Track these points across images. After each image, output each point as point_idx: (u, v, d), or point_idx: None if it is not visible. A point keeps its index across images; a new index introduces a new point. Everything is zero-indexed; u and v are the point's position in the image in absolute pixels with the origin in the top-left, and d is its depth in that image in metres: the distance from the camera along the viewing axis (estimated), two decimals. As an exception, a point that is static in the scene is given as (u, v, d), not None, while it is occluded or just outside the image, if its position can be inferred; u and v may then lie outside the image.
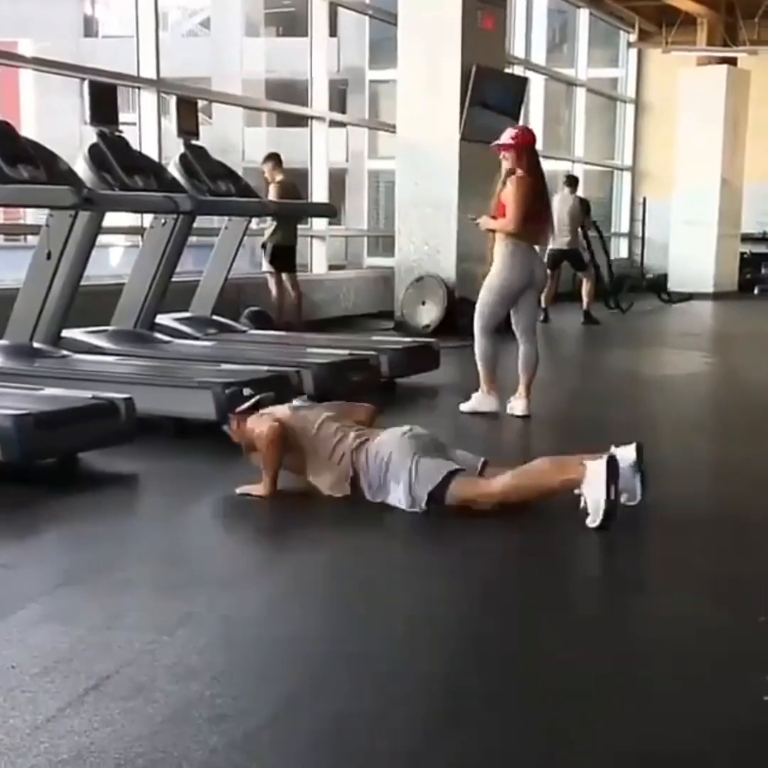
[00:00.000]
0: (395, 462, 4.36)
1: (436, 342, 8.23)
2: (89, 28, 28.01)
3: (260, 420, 4.58)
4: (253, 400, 4.75)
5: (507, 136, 6.51)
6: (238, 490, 4.56)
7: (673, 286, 17.78)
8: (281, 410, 4.70)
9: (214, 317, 8.34)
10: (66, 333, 6.91)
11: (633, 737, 2.51)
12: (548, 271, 12.69)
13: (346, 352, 7.11)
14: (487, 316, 6.60)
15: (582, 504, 4.12)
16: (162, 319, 7.79)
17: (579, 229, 12.92)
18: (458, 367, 8.51)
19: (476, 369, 6.73)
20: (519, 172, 6.41)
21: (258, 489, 4.53)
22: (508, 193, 6.40)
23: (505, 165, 6.48)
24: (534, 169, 6.52)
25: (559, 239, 12.71)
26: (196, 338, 7.78)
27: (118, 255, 13.74)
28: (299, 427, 4.58)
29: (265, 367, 6.27)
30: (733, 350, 11.12)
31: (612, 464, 4.04)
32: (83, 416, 4.99)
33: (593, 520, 4.05)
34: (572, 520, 4.09)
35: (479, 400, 6.67)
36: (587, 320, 12.78)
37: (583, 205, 13.18)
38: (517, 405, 6.63)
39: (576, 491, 4.15)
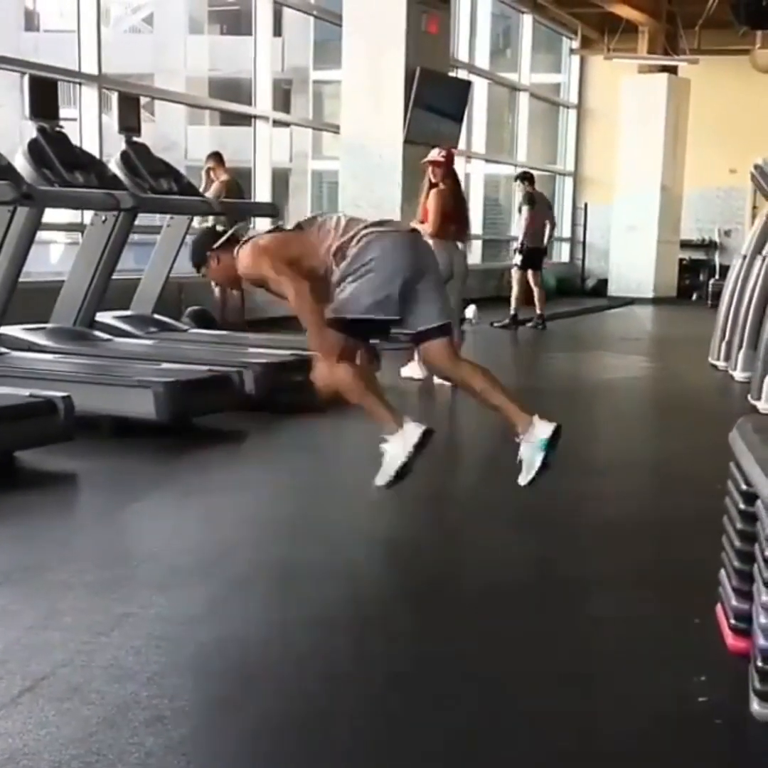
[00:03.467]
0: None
1: (378, 344, 8.22)
2: (30, 22, 27.66)
3: (250, 254, 4.39)
4: (227, 234, 4.66)
5: (438, 155, 7.86)
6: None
7: (613, 291, 17.98)
8: (265, 239, 4.53)
9: (156, 316, 8.28)
10: (4, 330, 6.82)
11: (569, 735, 2.53)
12: (520, 271, 12.57)
13: (288, 352, 7.08)
14: None
15: (519, 457, 4.33)
16: (102, 317, 7.71)
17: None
18: (398, 368, 8.52)
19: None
20: (441, 185, 7.77)
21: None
22: (431, 203, 7.77)
23: (432, 178, 7.80)
24: (454, 182, 7.97)
25: (539, 238, 12.69)
26: (137, 337, 7.71)
27: (58, 252, 13.58)
28: (297, 253, 4.41)
29: (206, 367, 6.23)
30: (669, 355, 11.25)
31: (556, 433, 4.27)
32: (21, 414, 4.92)
33: (525, 477, 4.28)
34: (500, 517, 4.12)
35: (412, 369, 7.93)
36: (516, 324, 12.56)
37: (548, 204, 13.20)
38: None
39: (518, 440, 4.33)
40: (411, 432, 4.21)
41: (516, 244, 12.75)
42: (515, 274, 12.59)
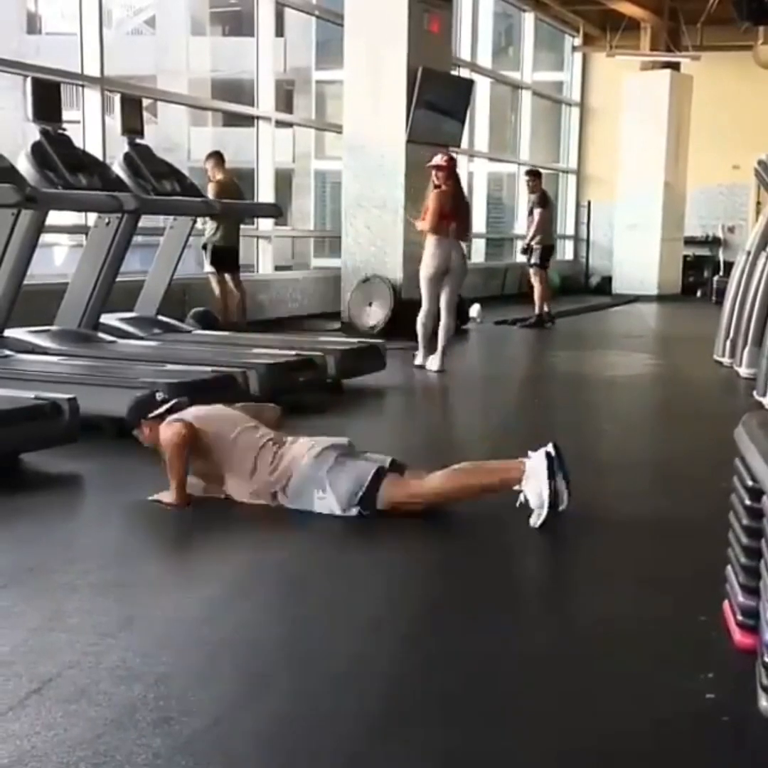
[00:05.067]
0: (314, 469, 4.27)
1: (383, 343, 8.23)
2: (32, 24, 27.68)
3: (168, 425, 4.39)
4: (166, 406, 4.59)
5: (441, 160, 8.56)
6: (150, 498, 4.41)
7: (617, 288, 17.97)
8: (192, 413, 4.52)
9: (160, 317, 8.29)
10: (9, 332, 6.83)
11: (575, 733, 2.53)
12: (541, 270, 12.59)
13: (293, 352, 7.09)
14: (426, 292, 8.63)
15: (521, 500, 4.10)
16: (106, 318, 7.72)
17: None
18: (405, 368, 8.53)
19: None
20: (444, 187, 8.47)
21: (167, 496, 4.38)
22: (429, 202, 8.51)
23: (436, 181, 8.50)
24: (455, 184, 8.64)
25: (550, 236, 12.86)
26: (141, 338, 7.73)
27: (62, 254, 13.60)
28: (213, 432, 4.42)
29: (210, 368, 6.23)
30: (674, 351, 11.23)
31: (549, 456, 4.05)
32: (26, 417, 4.92)
33: (537, 517, 4.05)
34: (505, 521, 4.12)
35: (432, 362, 8.60)
36: (549, 321, 12.71)
37: None
38: (434, 362, 8.59)
39: (516, 488, 4.12)
40: (535, 465, 4.06)
41: (531, 244, 12.60)
42: (537, 274, 12.60)
